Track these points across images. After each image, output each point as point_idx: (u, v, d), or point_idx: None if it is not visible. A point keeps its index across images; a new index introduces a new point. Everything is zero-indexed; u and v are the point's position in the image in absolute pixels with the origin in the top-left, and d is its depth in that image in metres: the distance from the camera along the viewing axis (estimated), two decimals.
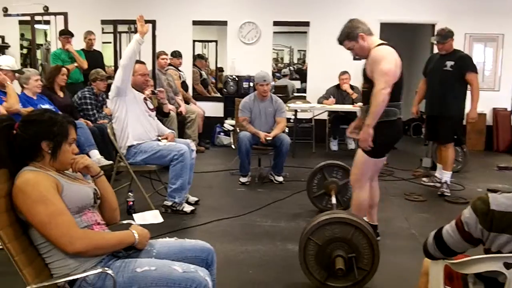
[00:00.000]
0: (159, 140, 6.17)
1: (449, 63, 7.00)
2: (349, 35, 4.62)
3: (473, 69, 7.04)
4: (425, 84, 7.49)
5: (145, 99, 6.19)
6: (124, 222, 2.95)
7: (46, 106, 6.67)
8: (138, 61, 6.17)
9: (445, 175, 7.14)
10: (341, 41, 4.77)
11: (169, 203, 5.98)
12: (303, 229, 4.14)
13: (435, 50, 11.60)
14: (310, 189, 6.21)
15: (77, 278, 2.50)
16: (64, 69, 7.65)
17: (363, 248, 3.92)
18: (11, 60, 6.56)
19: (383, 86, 4.31)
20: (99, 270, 2.49)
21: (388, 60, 4.40)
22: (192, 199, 6.38)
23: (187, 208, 6.01)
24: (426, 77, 7.47)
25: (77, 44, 9.59)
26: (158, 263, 2.63)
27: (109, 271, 2.46)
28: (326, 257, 3.95)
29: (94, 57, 9.68)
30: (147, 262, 2.63)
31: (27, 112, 5.68)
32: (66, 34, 9.25)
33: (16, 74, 6.65)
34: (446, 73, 7.01)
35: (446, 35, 7.04)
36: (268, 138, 7.36)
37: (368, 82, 4.54)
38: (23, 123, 2.64)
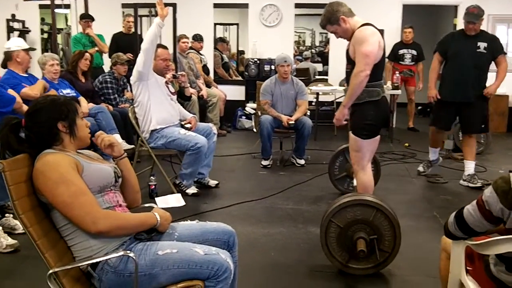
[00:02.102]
0: (181, 124, 6.20)
1: (482, 45, 6.50)
2: (330, 20, 4.58)
3: (505, 51, 6.78)
4: (439, 64, 6.94)
5: (166, 82, 6.20)
6: (146, 205, 2.95)
7: (67, 91, 6.70)
8: (161, 45, 6.18)
9: (471, 166, 6.79)
10: (323, 26, 4.75)
11: (177, 182, 6.06)
12: (324, 212, 4.14)
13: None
14: (332, 172, 6.22)
15: (99, 261, 2.52)
16: (87, 54, 7.66)
17: (384, 230, 3.92)
18: (19, 41, 6.53)
19: (362, 68, 4.30)
20: (121, 253, 2.50)
21: (370, 42, 4.35)
22: (213, 182, 6.42)
23: (190, 190, 6.05)
24: (448, 59, 6.76)
25: (98, 28, 9.59)
26: (180, 246, 2.64)
27: (131, 254, 2.46)
28: (348, 239, 3.96)
29: (131, 41, 9.67)
30: (168, 245, 2.64)
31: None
32: (86, 18, 9.27)
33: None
34: (480, 55, 6.51)
35: (479, 14, 6.46)
36: (290, 122, 7.34)
37: (351, 63, 4.51)
38: (30, 115, 2.66)
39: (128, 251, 2.49)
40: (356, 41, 4.42)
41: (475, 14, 6.44)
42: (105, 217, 2.50)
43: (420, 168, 7.26)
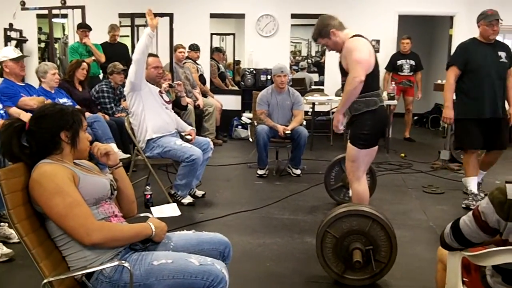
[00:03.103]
0: (180, 134, 6.21)
1: (503, 54, 6.00)
2: (321, 33, 4.70)
3: None
4: (456, 79, 6.14)
5: (160, 92, 6.20)
6: (142, 215, 2.95)
7: (64, 100, 6.72)
8: (151, 54, 6.20)
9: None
10: (314, 39, 4.89)
11: (172, 192, 6.05)
12: (320, 222, 4.14)
13: (454, 42, 11.61)
14: (328, 182, 6.21)
15: (94, 271, 2.52)
16: (84, 63, 7.67)
17: (380, 241, 3.92)
18: (6, 50, 6.40)
19: (356, 74, 4.34)
20: (116, 263, 2.50)
21: (361, 49, 4.41)
22: (199, 192, 6.42)
23: (185, 200, 6.04)
24: (468, 71, 6.05)
25: (96, 37, 9.62)
26: (175, 256, 2.64)
27: (126, 264, 2.47)
28: (344, 250, 3.95)
29: (118, 50, 9.72)
30: (164, 255, 2.63)
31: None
32: (83, 27, 9.30)
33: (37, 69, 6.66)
34: (504, 65, 6.03)
35: (498, 14, 5.92)
36: (286, 132, 7.35)
37: (345, 75, 4.54)
38: (36, 119, 2.66)
39: (123, 261, 2.49)
40: (347, 51, 4.48)
41: (496, 13, 5.95)
42: (99, 229, 2.49)
43: (467, 202, 6.16)
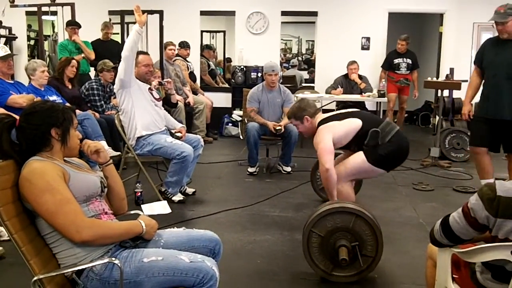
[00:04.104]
0: (170, 131, 6.21)
1: None
2: (295, 115, 5.19)
3: None
4: (479, 77, 6.14)
5: (150, 89, 6.19)
6: (132, 212, 2.95)
7: (54, 98, 6.69)
8: (142, 52, 6.20)
9: None
10: (289, 117, 5.42)
11: (163, 189, 6.05)
12: (305, 222, 4.15)
13: (444, 40, 11.65)
14: (314, 180, 6.27)
15: (84, 268, 2.51)
16: (74, 61, 7.64)
17: (366, 235, 3.93)
18: None
19: (322, 165, 4.68)
20: (106, 260, 2.50)
21: (324, 140, 4.75)
22: (190, 190, 6.41)
23: (176, 198, 6.05)
24: (484, 69, 6.01)
25: (85, 34, 9.58)
26: (165, 253, 2.65)
27: (116, 261, 2.46)
28: (330, 248, 3.96)
29: (110, 48, 9.63)
30: (154, 252, 2.64)
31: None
32: (72, 25, 9.27)
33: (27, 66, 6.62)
34: None
35: (506, 12, 5.62)
36: (278, 128, 7.34)
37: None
38: (27, 116, 2.64)
39: (113, 258, 2.49)
40: (315, 146, 4.86)
41: (501, 13, 5.68)
42: (89, 226, 2.48)
43: None
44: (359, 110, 5.17)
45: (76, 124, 2.79)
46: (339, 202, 4.21)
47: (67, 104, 6.50)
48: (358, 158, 4.75)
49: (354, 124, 4.84)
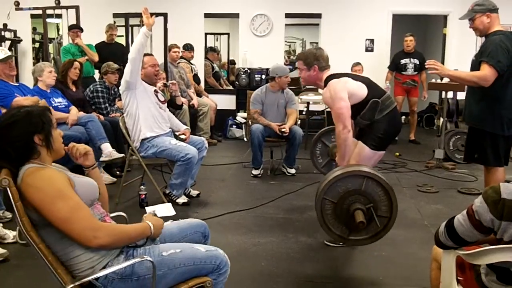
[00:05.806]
0: (174, 133, 6.22)
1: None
2: (306, 60, 4.89)
3: None
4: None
5: (155, 91, 6.20)
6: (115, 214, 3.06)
7: (59, 100, 6.72)
8: (146, 54, 6.20)
9: None
10: (297, 58, 5.15)
11: (167, 192, 6.05)
12: (316, 191, 4.20)
13: (448, 41, 11.63)
14: (316, 161, 6.50)
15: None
16: (76, 63, 7.62)
17: (378, 196, 3.99)
18: None
19: (340, 127, 4.56)
20: (138, 259, 2.54)
21: (338, 97, 4.58)
22: (194, 192, 6.42)
23: (180, 200, 6.05)
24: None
25: (90, 37, 9.62)
26: (181, 246, 2.79)
27: (149, 258, 2.53)
28: (345, 213, 4.02)
29: (115, 50, 9.68)
30: (169, 246, 2.75)
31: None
32: (74, 28, 9.30)
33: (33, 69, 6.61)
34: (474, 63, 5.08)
35: (474, 9, 4.96)
36: (283, 130, 7.35)
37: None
38: (4, 128, 2.54)
39: (145, 256, 2.57)
40: (327, 102, 4.75)
41: (469, 10, 5.06)
42: (105, 231, 2.47)
43: None
44: (368, 78, 4.90)
45: (55, 123, 2.72)
46: (346, 167, 4.26)
47: (72, 106, 6.54)
48: (363, 149, 4.69)
49: (361, 91, 4.67)
